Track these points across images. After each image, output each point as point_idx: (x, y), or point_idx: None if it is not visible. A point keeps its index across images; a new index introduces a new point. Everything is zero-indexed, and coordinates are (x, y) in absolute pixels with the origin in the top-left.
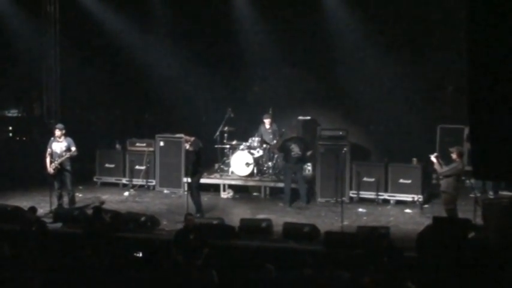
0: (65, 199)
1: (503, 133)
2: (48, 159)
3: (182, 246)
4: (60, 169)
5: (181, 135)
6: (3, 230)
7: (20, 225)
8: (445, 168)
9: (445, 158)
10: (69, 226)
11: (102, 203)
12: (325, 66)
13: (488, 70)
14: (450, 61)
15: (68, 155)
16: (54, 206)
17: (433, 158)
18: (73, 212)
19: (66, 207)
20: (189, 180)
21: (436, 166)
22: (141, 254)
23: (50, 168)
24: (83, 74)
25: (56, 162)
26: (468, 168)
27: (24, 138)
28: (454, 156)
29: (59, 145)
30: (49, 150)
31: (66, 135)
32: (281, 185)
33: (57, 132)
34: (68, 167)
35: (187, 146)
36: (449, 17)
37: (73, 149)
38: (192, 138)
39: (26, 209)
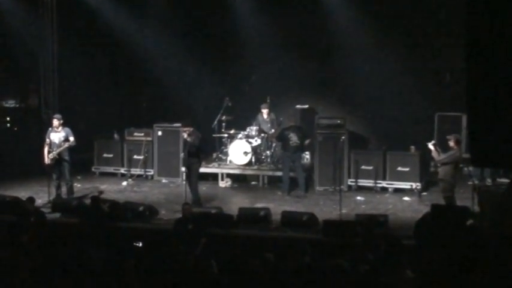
0: (63, 189)
1: (501, 120)
2: (46, 150)
3: (180, 236)
4: (59, 159)
5: (179, 124)
6: (2, 221)
7: (19, 215)
8: (443, 156)
9: (443, 146)
10: (68, 216)
11: (101, 192)
12: (323, 55)
13: (487, 57)
14: (448, 48)
15: (66, 145)
16: (53, 196)
17: (430, 146)
18: (71, 202)
19: (65, 198)
20: (186, 169)
21: (434, 154)
22: (140, 244)
23: (48, 158)
24: (81, 64)
25: (54, 152)
26: (466, 155)
27: (22, 129)
28: (451, 143)
29: (57, 135)
30: (47, 140)
31: (64, 125)
32: (279, 173)
33: (55, 122)
34: (67, 157)
35: (185, 136)
36: (447, 3)
37: (71, 139)
38: (191, 129)
39: (24, 199)
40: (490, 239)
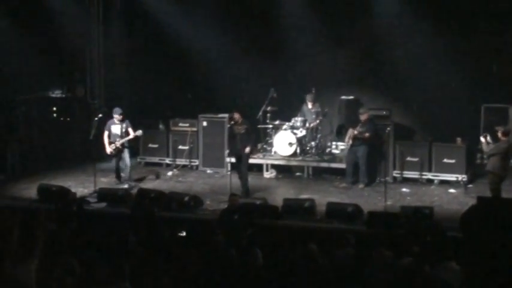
0: (123, 174)
1: None
2: (106, 140)
3: (226, 227)
4: (121, 148)
5: (224, 115)
6: (49, 210)
7: (63, 204)
8: (491, 147)
9: (491, 138)
10: (113, 206)
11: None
12: (369, 45)
13: None
14: (495, 40)
15: (137, 133)
16: (99, 185)
17: (481, 139)
18: (117, 192)
19: (110, 187)
20: (235, 159)
21: (484, 145)
22: (184, 233)
23: (110, 148)
24: (126, 54)
25: (117, 142)
26: None
27: (68, 119)
28: (499, 135)
29: (118, 127)
30: (107, 132)
31: (124, 117)
32: (324, 165)
33: (117, 117)
34: (127, 146)
35: (234, 126)
36: None
37: (140, 132)
38: (236, 116)
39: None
40: None
